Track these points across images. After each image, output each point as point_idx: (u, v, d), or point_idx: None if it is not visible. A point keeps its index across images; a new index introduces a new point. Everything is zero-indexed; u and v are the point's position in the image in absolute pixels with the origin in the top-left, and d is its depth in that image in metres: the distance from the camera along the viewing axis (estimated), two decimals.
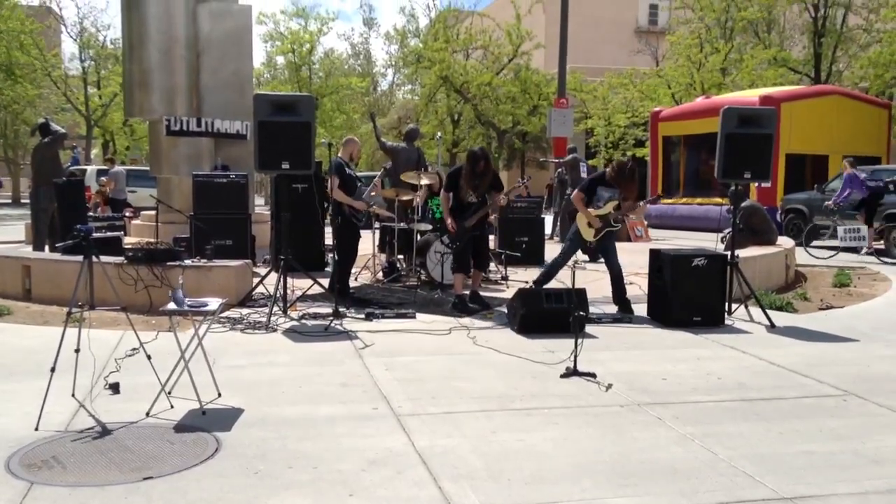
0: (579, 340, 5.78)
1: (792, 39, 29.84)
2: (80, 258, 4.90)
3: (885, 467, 4.04)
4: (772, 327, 7.59)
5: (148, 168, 14.98)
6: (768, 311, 7.87)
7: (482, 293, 8.58)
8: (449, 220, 8.15)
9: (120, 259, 8.12)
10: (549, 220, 13.21)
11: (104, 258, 6.28)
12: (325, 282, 8.50)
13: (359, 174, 8.38)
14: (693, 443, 4.38)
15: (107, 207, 16.47)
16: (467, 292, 8.30)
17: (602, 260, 8.67)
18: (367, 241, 10.45)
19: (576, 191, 8.45)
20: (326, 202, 9.92)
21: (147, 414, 4.68)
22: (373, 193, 8.92)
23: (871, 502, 3.61)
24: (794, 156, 18.85)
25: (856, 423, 4.79)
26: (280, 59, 37.46)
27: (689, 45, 29.04)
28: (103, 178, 17.67)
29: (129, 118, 24.89)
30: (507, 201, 9.43)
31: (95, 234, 8.26)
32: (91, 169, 23.97)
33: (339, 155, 8.65)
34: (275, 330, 7.16)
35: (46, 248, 10.77)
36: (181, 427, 4.51)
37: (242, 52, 12.96)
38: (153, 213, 12.51)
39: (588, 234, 8.07)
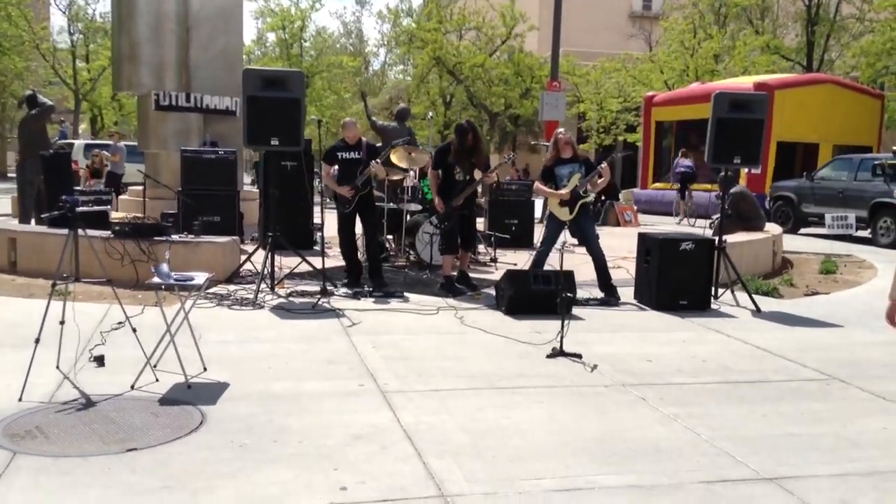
0: (566, 322, 5.79)
1: (785, 27, 29.86)
2: (65, 231, 4.86)
3: (866, 450, 4.08)
4: (757, 312, 7.64)
5: (135, 143, 14.88)
6: (754, 296, 7.91)
7: (470, 274, 8.57)
8: (437, 200, 8.10)
9: (106, 233, 8.06)
10: (538, 203, 13.21)
11: (90, 232, 6.24)
12: (314, 260, 8.47)
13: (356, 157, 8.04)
14: (676, 423, 4.41)
15: (93, 181, 16.36)
16: (455, 273, 8.28)
17: None
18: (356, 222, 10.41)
19: (535, 182, 8.28)
20: (318, 180, 9.77)
21: (132, 387, 4.66)
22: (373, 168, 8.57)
23: (851, 483, 3.64)
24: (784, 143, 18.90)
25: (838, 407, 4.83)
26: (271, 36, 37.21)
27: (683, 30, 29.02)
28: (100, 151, 17.58)
29: (118, 92, 24.71)
30: (498, 180, 9.34)
31: (82, 208, 8.24)
32: (79, 143, 23.77)
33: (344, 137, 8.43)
34: (262, 307, 7.15)
35: (33, 221, 10.69)
36: (166, 400, 4.50)
37: (232, 28, 12.86)
38: (140, 188, 12.43)
39: (563, 214, 7.89)
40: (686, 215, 18.18)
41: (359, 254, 8.54)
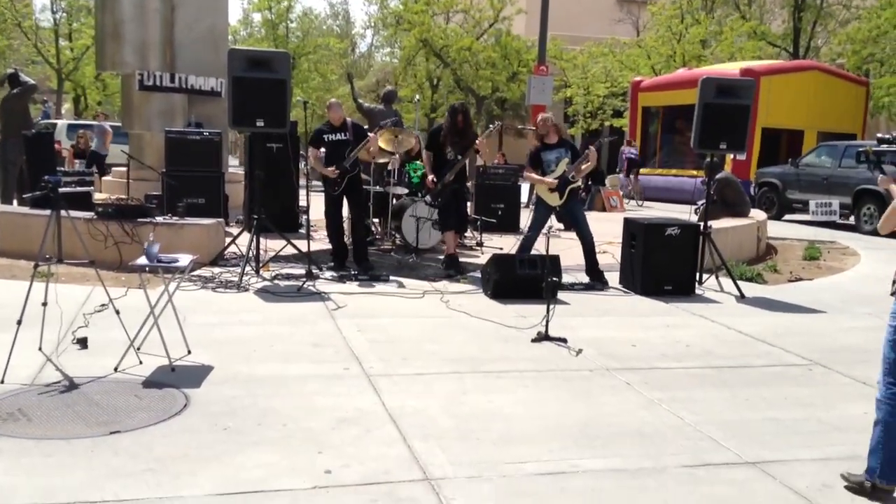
0: (551, 306, 5.80)
1: (772, 13, 29.88)
2: (48, 212, 4.81)
3: (848, 434, 4.12)
4: (741, 298, 7.68)
5: (119, 124, 14.73)
6: (738, 282, 7.96)
7: (441, 256, 8.58)
8: (430, 177, 8.15)
9: (90, 214, 7.99)
10: (525, 187, 13.20)
11: (73, 213, 6.18)
12: (300, 243, 8.43)
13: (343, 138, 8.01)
14: (660, 407, 4.44)
15: (76, 162, 16.20)
16: (455, 252, 8.33)
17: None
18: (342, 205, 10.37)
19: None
20: (304, 163, 9.68)
21: (115, 369, 4.64)
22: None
23: (832, 467, 3.68)
24: (769, 130, 18.96)
25: (820, 392, 4.88)
26: (257, 17, 36.84)
27: (671, 15, 29.00)
28: (86, 131, 17.39)
29: (101, 72, 24.42)
30: (485, 164, 9.36)
31: (65, 189, 8.15)
32: (62, 123, 23.50)
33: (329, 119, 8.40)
34: (247, 289, 7.12)
35: (15, 201, 10.57)
36: (150, 383, 4.48)
37: (218, 8, 12.73)
38: (124, 169, 12.31)
39: (553, 200, 7.89)
40: (636, 197, 19.53)
41: (345, 237, 8.52)
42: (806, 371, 5.34)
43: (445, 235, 8.42)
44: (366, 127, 11.04)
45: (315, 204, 8.93)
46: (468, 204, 10.61)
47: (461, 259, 8.84)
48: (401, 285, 7.58)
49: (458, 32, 32.78)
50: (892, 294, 3.41)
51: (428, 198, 8.76)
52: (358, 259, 8.10)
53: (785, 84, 19.05)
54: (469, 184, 11.54)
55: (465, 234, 10.22)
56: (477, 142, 8.21)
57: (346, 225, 8.65)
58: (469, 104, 33.39)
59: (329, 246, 8.42)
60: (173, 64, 12.21)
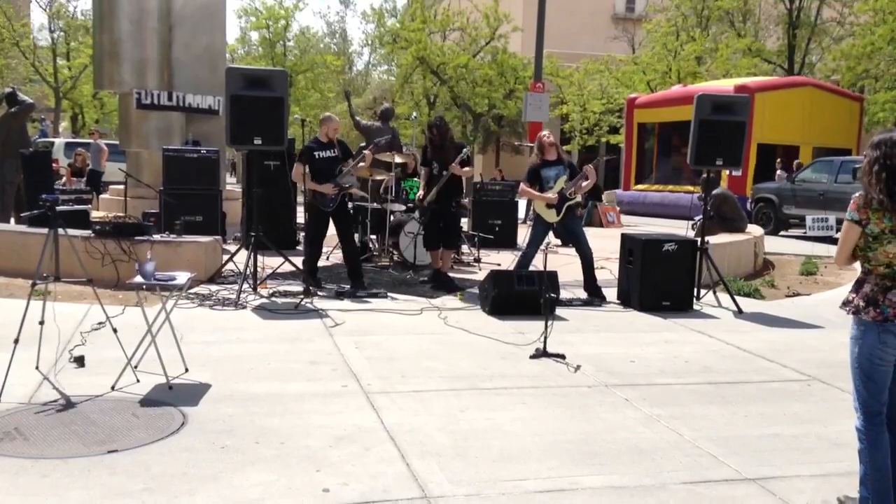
0: (549, 322, 5.80)
1: (767, 30, 30.05)
2: (45, 230, 4.81)
3: (847, 450, 4.09)
4: (739, 313, 7.68)
5: (117, 142, 14.76)
6: (736, 298, 7.96)
7: (455, 275, 8.57)
8: (420, 193, 8.28)
9: (87, 232, 7.99)
10: (522, 203, 13.23)
11: (71, 231, 6.18)
12: (297, 260, 8.43)
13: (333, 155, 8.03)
14: (659, 424, 4.43)
15: (74, 180, 16.21)
16: (442, 268, 8.34)
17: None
18: None
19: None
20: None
21: (112, 387, 4.62)
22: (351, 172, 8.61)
23: (832, 484, 3.67)
24: (765, 145, 19.04)
25: (819, 408, 4.87)
26: (254, 35, 36.95)
27: (666, 33, 29.15)
28: (83, 150, 17.41)
29: (99, 90, 24.49)
30: (482, 181, 9.43)
31: (62, 207, 8.15)
32: (59, 142, 23.54)
33: (318, 133, 8.41)
34: (244, 307, 7.11)
35: (12, 220, 10.57)
36: (147, 401, 4.46)
37: (215, 27, 12.78)
38: (122, 187, 12.32)
39: (551, 217, 7.90)
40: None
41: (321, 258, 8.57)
42: (805, 387, 5.33)
43: (430, 252, 8.43)
44: (362, 144, 11.11)
45: None
46: (462, 220, 10.65)
47: (459, 275, 8.85)
48: (399, 302, 7.57)
49: (454, 50, 32.92)
50: (841, 306, 3.30)
51: (417, 214, 8.82)
52: (353, 276, 8.08)
53: (779, 100, 19.16)
54: (466, 200, 11.58)
55: (462, 251, 10.24)
56: (453, 166, 8.12)
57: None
58: (466, 121, 33.77)
59: (325, 262, 8.42)
60: (171, 82, 12.25)
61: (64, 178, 16.08)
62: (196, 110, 12.34)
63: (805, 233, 13.51)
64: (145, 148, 12.35)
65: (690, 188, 17.53)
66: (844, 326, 7.31)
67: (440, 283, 8.16)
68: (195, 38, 12.40)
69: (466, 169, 8.30)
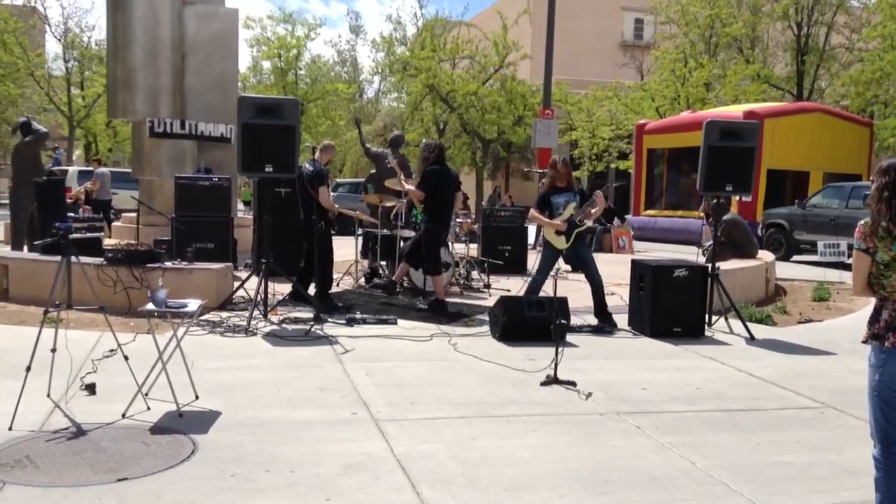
0: (560, 349, 5.78)
1: (775, 56, 30.17)
2: (58, 258, 4.85)
3: (861, 478, 4.05)
4: (751, 339, 7.64)
5: (130, 170, 14.89)
6: (748, 324, 7.92)
7: (464, 301, 8.57)
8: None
9: (99, 260, 8.04)
10: (531, 229, 13.24)
11: (83, 259, 6.22)
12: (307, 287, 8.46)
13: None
14: (671, 452, 4.39)
15: (87, 208, 16.32)
16: (444, 298, 8.37)
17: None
18: (350, 247, 10.43)
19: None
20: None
21: (123, 415, 4.63)
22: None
23: None
24: (775, 171, 19.02)
25: (832, 435, 4.82)
26: (266, 64, 37.34)
27: (674, 59, 29.29)
28: (89, 184, 17.51)
29: (113, 119, 24.74)
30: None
31: (75, 235, 8.21)
32: (73, 170, 23.76)
33: (316, 158, 8.55)
34: (255, 334, 7.12)
35: (25, 247, 10.65)
36: (157, 429, 4.46)
37: (228, 55, 12.93)
38: (134, 214, 12.41)
39: (560, 243, 7.88)
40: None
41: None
42: (818, 414, 5.29)
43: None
44: (373, 171, 11.19)
45: None
46: (474, 245, 10.69)
47: (469, 301, 8.84)
48: (408, 328, 7.56)
49: (464, 78, 33.12)
50: (865, 341, 3.25)
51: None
52: (323, 298, 8.27)
53: (788, 126, 19.17)
54: (475, 226, 11.65)
55: (472, 277, 10.25)
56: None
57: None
58: (475, 147, 33.92)
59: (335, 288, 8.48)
60: (184, 111, 12.38)
61: (80, 208, 16.20)
62: (208, 138, 12.44)
63: (819, 258, 13.47)
64: (158, 176, 12.46)
65: (699, 214, 17.52)
66: (858, 353, 7.24)
67: (437, 310, 8.16)
68: (208, 67, 12.55)
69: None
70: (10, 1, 35.30)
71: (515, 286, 9.36)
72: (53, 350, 4.58)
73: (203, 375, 5.38)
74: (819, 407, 5.43)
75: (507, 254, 11.81)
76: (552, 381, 5.68)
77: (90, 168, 19.78)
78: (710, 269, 8.07)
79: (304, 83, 35.83)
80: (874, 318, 3.22)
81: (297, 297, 8.34)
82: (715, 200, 8.97)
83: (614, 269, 10.15)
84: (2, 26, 31.04)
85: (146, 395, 4.82)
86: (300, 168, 8.10)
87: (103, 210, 15.83)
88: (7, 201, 12.99)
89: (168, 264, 8.18)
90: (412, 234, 9.87)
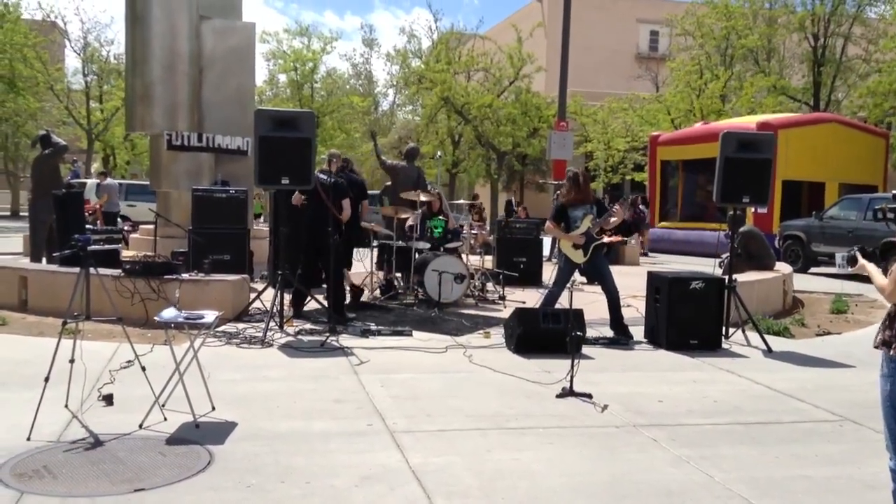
0: (576, 361, 5.76)
1: (791, 68, 30.08)
2: (76, 270, 4.89)
3: (880, 492, 4.00)
4: (769, 352, 7.58)
5: (147, 182, 15.02)
6: (765, 336, 7.86)
7: (479, 313, 8.57)
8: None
9: (117, 271, 8.10)
10: (546, 241, 13.23)
11: (101, 270, 6.27)
12: (323, 298, 8.48)
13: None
14: (688, 465, 4.36)
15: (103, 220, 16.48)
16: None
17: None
18: (366, 260, 10.45)
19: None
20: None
21: (140, 426, 4.65)
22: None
23: None
24: (790, 182, 18.92)
25: (851, 449, 4.77)
26: (282, 78, 37.66)
27: (689, 71, 29.27)
28: (101, 200, 17.67)
29: (131, 133, 24.97)
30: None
31: (93, 247, 8.27)
32: (91, 182, 23.99)
33: (332, 170, 8.56)
34: (270, 345, 7.14)
35: (44, 259, 10.74)
36: (174, 440, 4.48)
37: (245, 69, 13.06)
38: (152, 226, 12.51)
39: (577, 257, 7.84)
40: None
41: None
42: (837, 427, 5.23)
43: None
44: (388, 183, 11.23)
45: None
46: (489, 257, 10.67)
47: (484, 313, 8.83)
48: (424, 340, 7.55)
49: (478, 90, 33.26)
50: (876, 347, 3.23)
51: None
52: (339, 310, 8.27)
53: (803, 137, 19.08)
54: (490, 238, 11.67)
55: (487, 289, 10.26)
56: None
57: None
58: (490, 159, 33.96)
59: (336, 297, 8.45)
60: (201, 124, 12.50)
61: (98, 221, 16.35)
62: (225, 151, 12.55)
63: (837, 270, 13.38)
64: (175, 188, 12.57)
65: (716, 225, 17.44)
66: (876, 366, 7.16)
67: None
68: (225, 81, 12.67)
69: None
70: (31, 16, 35.76)
71: (531, 298, 9.35)
72: (71, 361, 4.61)
73: (219, 386, 5.40)
74: (838, 420, 5.38)
75: (522, 266, 11.79)
76: (568, 393, 5.65)
77: (97, 181, 19.96)
78: (726, 280, 8.03)
79: (320, 96, 36.09)
80: (888, 323, 3.20)
81: (299, 298, 8.37)
82: (731, 212, 8.93)
83: (630, 282, 10.11)
84: (22, 41, 31.45)
85: (163, 405, 4.85)
86: (316, 177, 8.15)
87: (113, 222, 15.96)
88: (27, 213, 13.11)
89: (185, 276, 8.23)
90: (427, 245, 9.89)
